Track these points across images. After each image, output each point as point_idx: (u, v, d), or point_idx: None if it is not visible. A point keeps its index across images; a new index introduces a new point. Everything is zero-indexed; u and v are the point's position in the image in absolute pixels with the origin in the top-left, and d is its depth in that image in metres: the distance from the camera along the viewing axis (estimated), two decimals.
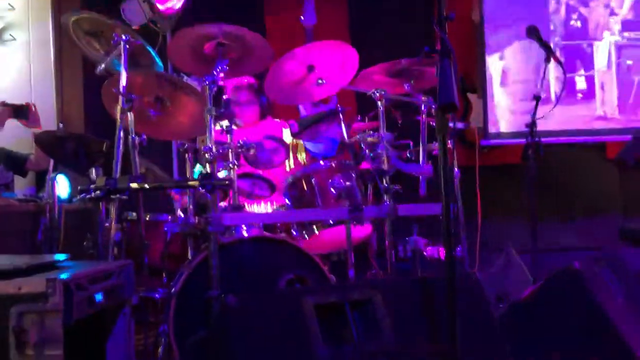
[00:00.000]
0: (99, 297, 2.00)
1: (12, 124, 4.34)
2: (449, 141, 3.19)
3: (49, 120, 4.93)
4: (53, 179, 3.58)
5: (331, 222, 3.14)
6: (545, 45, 3.39)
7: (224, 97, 4.10)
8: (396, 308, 2.14)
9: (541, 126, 3.54)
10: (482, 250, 4.06)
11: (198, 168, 3.57)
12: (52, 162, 3.87)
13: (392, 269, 3.10)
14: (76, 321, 1.79)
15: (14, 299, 1.71)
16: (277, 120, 4.29)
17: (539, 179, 3.54)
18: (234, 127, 3.13)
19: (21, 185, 4.66)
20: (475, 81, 5.40)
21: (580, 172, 5.39)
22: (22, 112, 4.28)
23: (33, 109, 4.33)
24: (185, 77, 3.61)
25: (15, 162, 4.49)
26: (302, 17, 4.76)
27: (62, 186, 3.74)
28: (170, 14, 5.05)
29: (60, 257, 2.17)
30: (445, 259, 2.05)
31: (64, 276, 1.77)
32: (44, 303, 1.70)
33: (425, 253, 3.32)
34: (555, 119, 3.71)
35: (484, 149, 4.91)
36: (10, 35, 5.42)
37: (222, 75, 2.97)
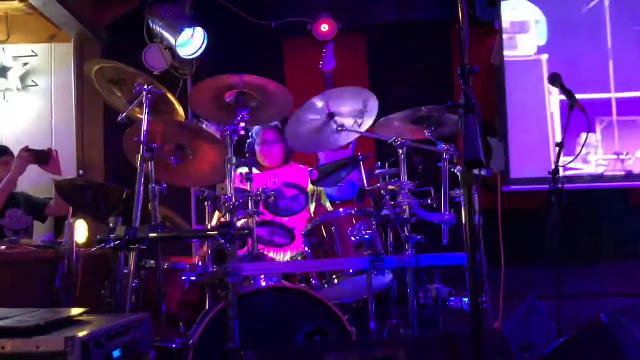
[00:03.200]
0: (116, 353, 1.97)
1: (32, 168, 4.37)
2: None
3: (69, 166, 4.97)
4: (72, 225, 3.56)
5: (351, 271, 3.10)
6: (568, 93, 3.37)
7: (248, 141, 4.14)
8: None
9: (565, 172, 3.50)
10: (505, 297, 3.98)
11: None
12: (71, 208, 3.87)
13: (414, 319, 3.04)
14: None
15: (33, 358, 1.68)
16: (301, 165, 4.30)
17: (561, 224, 3.49)
18: (255, 171, 3.12)
19: (41, 231, 4.66)
20: (495, 125, 5.38)
21: (602, 217, 5.31)
22: (43, 157, 4.32)
23: (54, 154, 4.36)
24: (204, 123, 3.63)
25: (35, 207, 4.51)
26: (321, 63, 4.79)
27: (80, 232, 3.73)
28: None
29: (78, 311, 2.14)
30: (470, 315, 2.00)
31: (82, 334, 1.74)
32: None
33: (448, 303, 3.26)
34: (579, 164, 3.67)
35: (505, 194, 4.85)
36: (33, 81, 5.51)
37: (242, 124, 2.97)
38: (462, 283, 3.21)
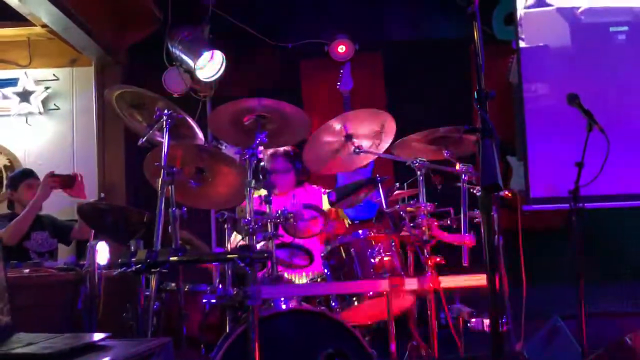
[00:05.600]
0: None
1: (56, 192, 4.44)
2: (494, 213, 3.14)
3: (90, 188, 5.01)
4: (93, 247, 3.60)
5: (371, 293, 3.09)
6: (587, 113, 3.36)
7: (262, 164, 4.15)
8: None
9: (585, 191, 3.48)
10: (527, 317, 3.94)
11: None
12: (92, 230, 3.91)
13: (435, 341, 3.03)
14: None
15: None
16: (315, 186, 4.30)
17: (583, 243, 3.46)
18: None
19: (65, 254, 4.71)
20: (514, 144, 5.37)
21: (624, 236, 5.26)
22: (68, 182, 4.37)
23: (79, 179, 4.41)
24: (223, 144, 3.66)
25: (60, 230, 4.58)
26: (338, 84, 4.81)
27: (102, 254, 3.76)
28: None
29: (100, 336, 2.16)
30: (491, 338, 1.99)
31: None
32: None
33: (469, 325, 3.23)
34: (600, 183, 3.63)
35: (525, 213, 4.83)
36: (54, 104, 5.60)
37: (261, 148, 2.99)
38: (483, 303, 3.18)
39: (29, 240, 4.39)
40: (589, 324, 3.50)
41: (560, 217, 4.88)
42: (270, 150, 4.13)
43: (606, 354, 2.49)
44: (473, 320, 3.19)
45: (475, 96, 1.93)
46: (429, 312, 3.06)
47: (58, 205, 4.70)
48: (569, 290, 3.71)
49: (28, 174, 4.65)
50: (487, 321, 3.09)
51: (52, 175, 4.37)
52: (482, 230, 3.04)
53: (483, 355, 2.20)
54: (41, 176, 4.42)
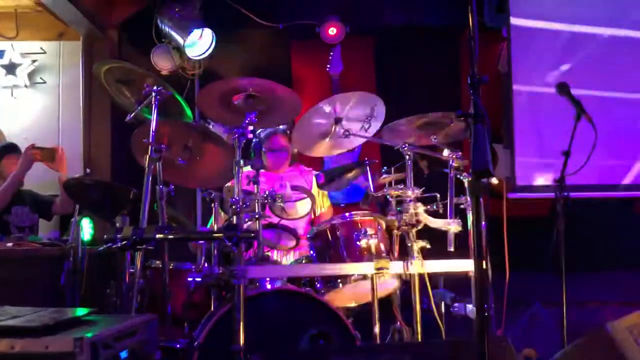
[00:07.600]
0: (123, 354, 1.98)
1: (38, 165, 4.40)
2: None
3: (75, 164, 4.99)
4: (77, 223, 3.58)
5: (356, 275, 3.10)
6: (576, 103, 3.38)
7: (254, 140, 4.11)
8: None
9: (570, 180, 3.50)
10: (509, 304, 3.98)
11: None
12: (77, 205, 3.89)
13: (418, 325, 3.05)
14: None
15: (41, 358, 1.69)
16: (305, 167, 4.29)
17: (566, 232, 3.50)
18: (262, 170, 3.12)
19: (46, 229, 4.68)
20: (500, 131, 5.38)
21: (608, 225, 5.31)
22: (49, 155, 4.35)
23: (60, 152, 4.39)
24: (211, 123, 3.64)
25: (41, 206, 4.54)
26: (328, 67, 4.80)
27: (86, 230, 3.75)
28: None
29: (85, 311, 2.16)
30: (475, 322, 2.00)
31: (90, 335, 1.75)
32: None
33: (451, 309, 3.26)
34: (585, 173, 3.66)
35: (510, 200, 4.85)
36: (41, 78, 5.53)
37: (250, 128, 2.98)
38: (466, 288, 3.21)
39: (10, 214, 4.36)
40: (570, 311, 3.55)
41: (545, 206, 4.92)
42: (268, 129, 4.10)
43: (586, 341, 2.51)
44: (455, 304, 3.22)
45: (469, 81, 1.93)
46: (412, 296, 3.07)
47: (38, 179, 4.66)
48: (551, 278, 3.75)
49: (12, 148, 4.61)
50: (469, 306, 3.13)
51: (32, 147, 4.34)
52: (469, 216, 3.09)
53: (465, 339, 2.23)
54: (24, 149, 4.38)
